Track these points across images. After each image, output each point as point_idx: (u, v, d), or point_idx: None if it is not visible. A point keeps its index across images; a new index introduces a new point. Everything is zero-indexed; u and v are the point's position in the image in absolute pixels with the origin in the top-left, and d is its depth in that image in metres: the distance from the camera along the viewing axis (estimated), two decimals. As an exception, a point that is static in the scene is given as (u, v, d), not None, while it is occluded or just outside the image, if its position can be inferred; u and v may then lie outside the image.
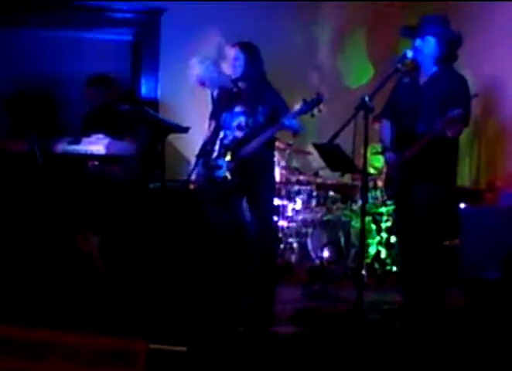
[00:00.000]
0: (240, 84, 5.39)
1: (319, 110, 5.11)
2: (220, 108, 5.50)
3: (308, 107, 5.09)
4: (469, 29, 6.96)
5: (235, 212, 5.51)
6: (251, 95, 5.34)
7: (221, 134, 5.44)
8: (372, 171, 6.81)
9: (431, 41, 4.98)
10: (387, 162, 5.22)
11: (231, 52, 5.38)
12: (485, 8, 7.14)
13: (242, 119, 5.36)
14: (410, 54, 4.98)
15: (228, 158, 5.33)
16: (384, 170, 5.55)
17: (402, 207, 5.19)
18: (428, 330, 4.80)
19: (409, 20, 5.26)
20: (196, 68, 6.38)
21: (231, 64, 5.37)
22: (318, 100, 5.08)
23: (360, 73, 7.92)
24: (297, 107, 5.18)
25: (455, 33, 5.06)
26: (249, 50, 5.37)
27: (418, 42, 4.99)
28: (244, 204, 5.57)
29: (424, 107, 4.99)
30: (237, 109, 5.39)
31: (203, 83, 6.38)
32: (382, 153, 5.34)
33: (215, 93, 6.09)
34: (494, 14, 7.04)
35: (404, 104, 5.14)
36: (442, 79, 5.00)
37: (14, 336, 3.26)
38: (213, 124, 5.59)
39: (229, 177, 5.31)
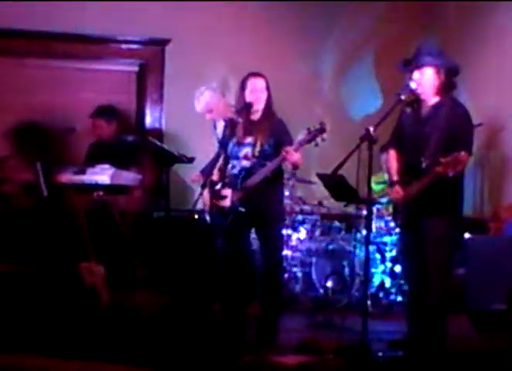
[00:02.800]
0: (248, 115, 5.40)
1: (323, 139, 5.14)
2: (227, 138, 5.50)
3: (312, 136, 5.11)
4: (472, 61, 7.04)
5: (242, 241, 5.52)
6: (264, 126, 5.36)
7: (228, 164, 5.46)
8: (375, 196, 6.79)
9: (429, 72, 5.03)
10: (391, 196, 5.27)
11: (258, 82, 5.38)
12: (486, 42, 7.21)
13: (249, 149, 5.37)
14: (413, 85, 5.03)
15: (235, 187, 5.35)
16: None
17: (409, 239, 5.21)
18: (435, 360, 4.79)
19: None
20: (205, 95, 6.39)
21: (255, 95, 5.35)
22: (321, 130, 5.11)
23: (364, 104, 7.95)
24: (301, 136, 5.21)
25: (451, 61, 5.12)
26: (268, 83, 5.42)
27: (417, 74, 5.03)
28: (251, 234, 5.59)
29: (428, 138, 5.01)
30: (246, 139, 5.40)
31: (210, 111, 6.39)
32: (389, 186, 5.34)
33: (220, 123, 6.11)
34: (495, 46, 7.10)
35: (408, 135, 5.18)
36: (443, 109, 5.03)
37: (18, 365, 3.26)
38: (219, 153, 5.60)
39: (235, 207, 5.33)
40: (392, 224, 6.63)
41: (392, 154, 5.33)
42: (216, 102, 6.38)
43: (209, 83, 6.85)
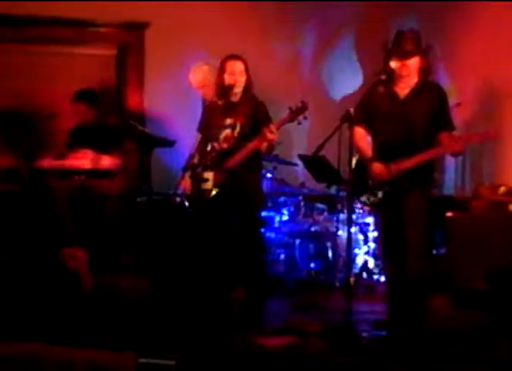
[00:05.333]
0: (227, 97, 5.41)
1: (305, 118, 5.16)
2: (208, 120, 5.51)
3: (294, 114, 5.14)
4: (451, 42, 7.07)
5: (223, 224, 5.52)
6: (243, 108, 5.38)
7: (208, 147, 5.45)
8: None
9: (417, 57, 5.04)
10: (373, 173, 5.17)
11: (236, 65, 5.41)
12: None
13: (229, 131, 5.39)
14: (393, 65, 5.03)
15: (215, 170, 5.35)
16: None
17: (388, 216, 5.20)
18: (417, 339, 4.82)
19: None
20: (203, 69, 6.33)
21: (235, 77, 5.39)
22: (303, 108, 5.14)
23: (344, 85, 7.94)
24: (283, 115, 5.23)
25: (428, 44, 5.16)
26: (247, 66, 5.44)
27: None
28: (232, 216, 5.59)
29: (414, 116, 5.03)
30: (225, 121, 5.41)
31: (204, 87, 6.34)
32: (366, 162, 5.24)
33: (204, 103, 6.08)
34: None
35: (386, 114, 5.15)
36: (425, 88, 5.10)
37: (5, 352, 3.26)
38: (200, 136, 5.61)
39: (216, 189, 5.33)
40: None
41: (361, 131, 5.25)
42: (212, 78, 6.33)
43: (190, 65, 6.81)
